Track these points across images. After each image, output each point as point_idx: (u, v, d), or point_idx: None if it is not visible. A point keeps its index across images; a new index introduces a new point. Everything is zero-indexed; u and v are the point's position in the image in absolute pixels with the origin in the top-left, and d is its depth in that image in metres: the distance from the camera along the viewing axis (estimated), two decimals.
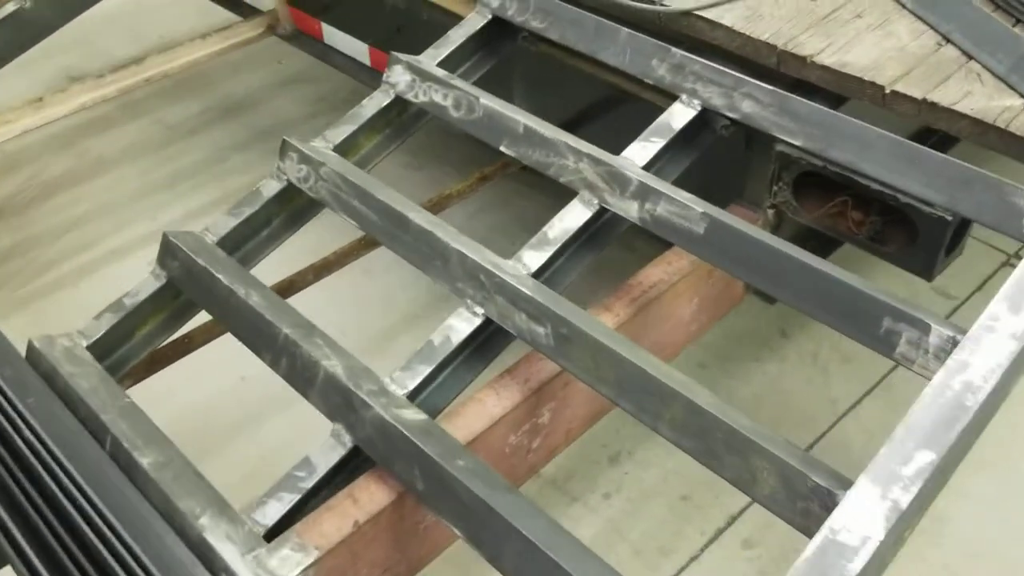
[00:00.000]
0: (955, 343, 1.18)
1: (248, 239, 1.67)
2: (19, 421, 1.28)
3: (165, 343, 1.66)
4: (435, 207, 2.03)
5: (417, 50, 1.84)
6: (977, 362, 1.14)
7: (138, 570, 1.10)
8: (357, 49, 2.59)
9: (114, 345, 1.55)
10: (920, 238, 1.51)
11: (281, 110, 3.61)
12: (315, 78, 3.72)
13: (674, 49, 1.62)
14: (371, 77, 2.60)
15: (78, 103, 2.44)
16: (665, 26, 1.69)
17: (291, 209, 1.71)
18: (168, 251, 1.59)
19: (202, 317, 1.71)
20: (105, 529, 1.15)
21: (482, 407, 1.40)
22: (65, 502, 1.18)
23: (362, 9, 2.51)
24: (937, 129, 1.49)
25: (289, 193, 1.69)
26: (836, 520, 1.05)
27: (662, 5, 1.71)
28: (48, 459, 1.23)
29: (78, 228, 3.04)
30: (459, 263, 1.45)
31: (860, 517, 1.05)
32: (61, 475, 1.21)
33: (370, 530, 1.26)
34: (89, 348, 1.51)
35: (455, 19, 1.99)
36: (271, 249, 1.71)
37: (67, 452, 1.25)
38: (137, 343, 1.59)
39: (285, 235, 1.72)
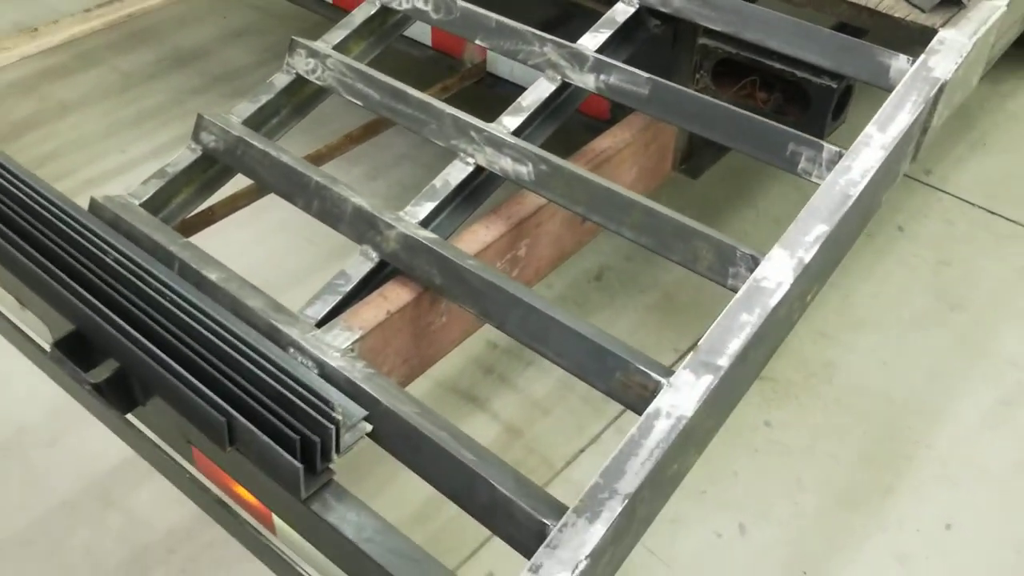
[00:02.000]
0: (840, 156, 1.59)
1: (265, 122, 1.96)
2: (105, 245, 1.56)
3: (196, 211, 1.94)
4: None
5: None
6: (856, 166, 1.55)
7: (224, 334, 1.40)
8: None
9: (159, 206, 1.83)
10: (812, 106, 1.93)
11: (231, 59, 3.85)
12: (260, 30, 3.99)
13: None
14: (332, 13, 2.90)
15: (69, 33, 2.66)
16: None
17: (299, 98, 2.01)
18: (203, 128, 1.88)
19: (224, 192, 2.01)
20: (191, 310, 1.44)
21: (475, 236, 1.74)
22: (154, 295, 1.47)
23: None
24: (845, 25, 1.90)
25: (297, 84, 1.99)
26: (758, 274, 1.44)
27: None
28: (133, 268, 1.51)
29: (51, 162, 3.24)
30: (452, 124, 1.79)
31: (776, 270, 1.44)
32: (151, 280, 1.50)
33: (398, 320, 1.59)
34: (141, 206, 1.79)
35: None
36: (284, 132, 2.01)
37: (144, 264, 1.53)
38: (176, 207, 1.87)
39: (294, 121, 2.02)
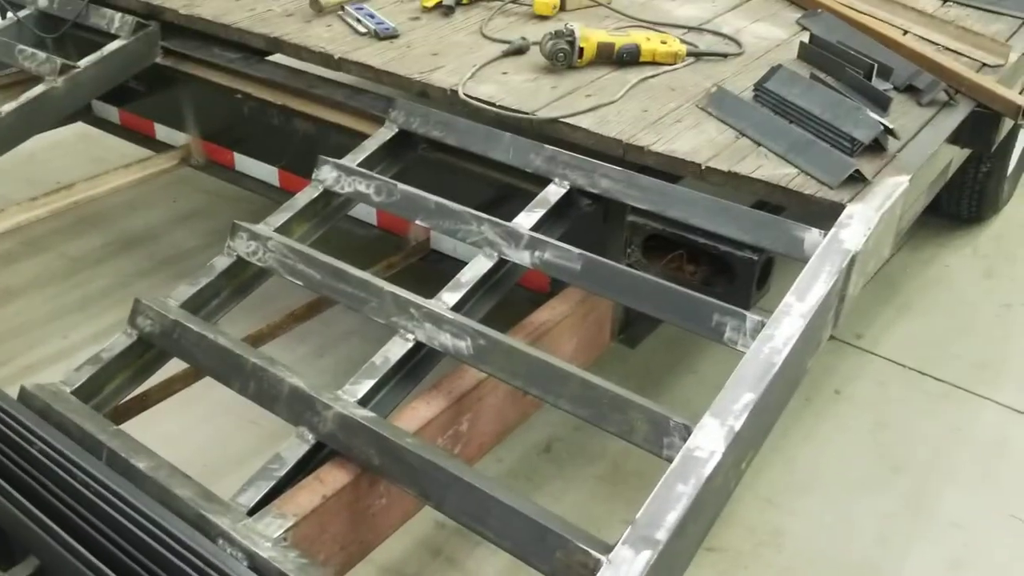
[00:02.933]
0: (763, 325, 1.64)
1: (204, 304, 1.98)
2: (31, 436, 1.53)
3: (130, 396, 1.92)
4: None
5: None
6: (778, 334, 1.61)
7: (148, 526, 1.36)
8: (267, 172, 2.99)
9: (92, 393, 1.81)
10: (736, 277, 2.01)
11: (179, 241, 3.92)
12: (209, 213, 4.08)
13: (547, 145, 2.12)
14: (281, 196, 2.99)
15: (14, 222, 2.69)
16: (538, 130, 2.20)
17: (240, 280, 2.05)
18: (139, 312, 1.89)
19: (158, 377, 1.99)
20: (115, 501, 1.40)
21: (415, 412, 1.74)
22: (85, 491, 1.43)
23: (272, 139, 2.92)
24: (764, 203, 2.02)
25: (238, 266, 2.03)
26: (691, 443, 1.45)
27: (533, 115, 2.22)
28: (62, 460, 1.48)
29: None
30: (392, 301, 1.82)
31: (708, 439, 1.45)
32: (76, 471, 1.46)
33: (334, 504, 1.56)
34: (72, 393, 1.76)
35: (361, 138, 2.44)
36: (223, 314, 2.03)
37: (69, 456, 1.50)
38: (110, 393, 1.85)
39: (234, 302, 2.05)
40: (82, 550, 1.30)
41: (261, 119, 2.90)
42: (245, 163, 3.06)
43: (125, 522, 1.37)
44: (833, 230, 1.80)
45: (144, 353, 1.89)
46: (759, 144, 2.07)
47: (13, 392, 1.74)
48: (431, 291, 1.88)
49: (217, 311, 2.01)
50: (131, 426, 1.85)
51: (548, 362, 1.65)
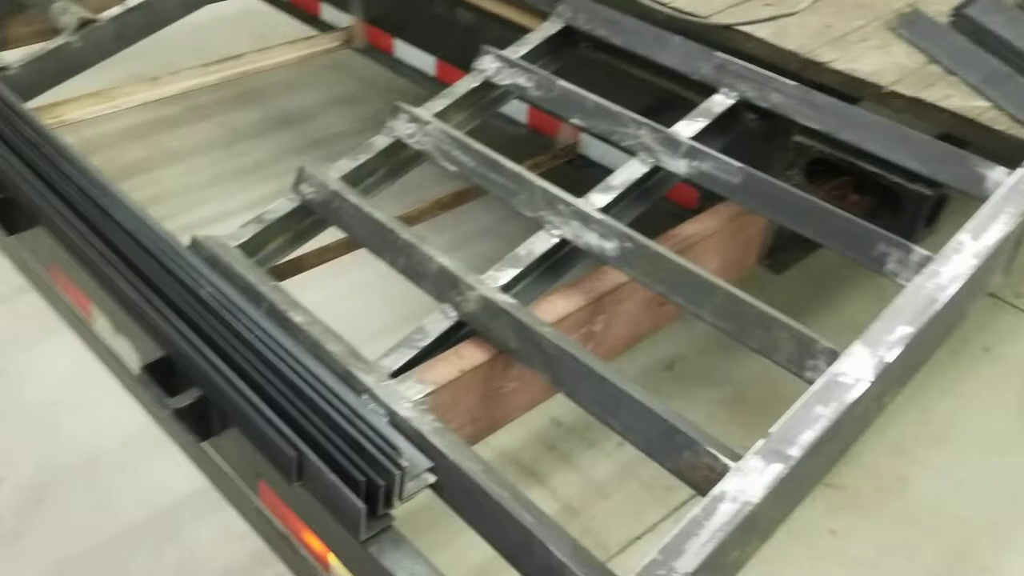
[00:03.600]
0: (929, 260, 1.57)
1: (362, 180, 2.04)
2: (198, 280, 1.63)
3: (287, 258, 2.01)
4: None
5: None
6: (945, 271, 1.54)
7: (301, 372, 1.44)
8: (425, 61, 3.02)
9: (254, 250, 1.90)
10: (904, 211, 1.92)
11: (331, 124, 4.02)
12: (362, 100, 4.17)
13: (717, 52, 2.05)
14: (434, 86, 3.02)
15: (186, 85, 2.83)
16: (709, 36, 2.12)
17: (396, 160, 2.09)
18: (302, 180, 1.96)
19: (314, 243, 2.08)
20: (275, 346, 1.49)
21: (553, 306, 1.76)
22: (242, 329, 1.52)
23: (433, 27, 2.94)
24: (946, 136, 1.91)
25: (396, 147, 2.08)
26: (837, 367, 1.42)
27: (707, 20, 2.14)
28: (224, 303, 1.58)
29: (154, 205, 3.39)
30: (541, 196, 1.83)
31: (855, 366, 1.41)
32: (239, 316, 1.55)
33: (470, 379, 1.61)
34: (237, 248, 1.86)
35: (523, 32, 2.42)
36: (378, 192, 2.09)
37: (235, 301, 1.59)
38: (270, 252, 1.94)
39: (389, 181, 2.10)
40: (240, 382, 1.39)
41: (425, 6, 2.91)
42: (404, 50, 3.09)
43: (281, 365, 1.46)
44: (1021, 169, 1.69)
45: (304, 219, 1.96)
46: (951, 72, 1.94)
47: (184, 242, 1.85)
48: (576, 194, 1.87)
49: (373, 188, 2.06)
50: (285, 286, 1.95)
51: (694, 271, 1.64)
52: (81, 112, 2.63)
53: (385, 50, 3.14)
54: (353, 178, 2.02)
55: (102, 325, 1.81)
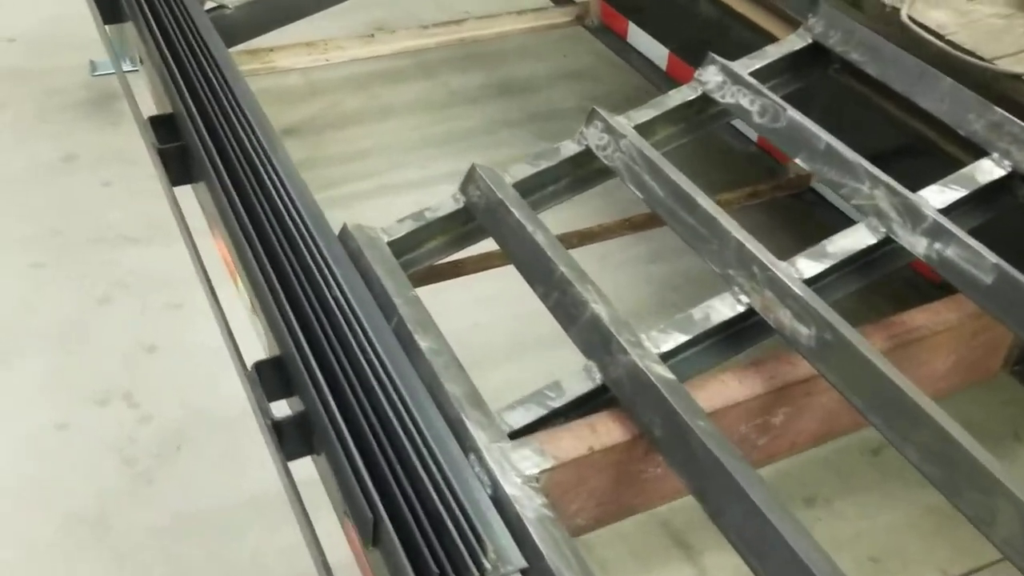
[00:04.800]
0: None
1: (538, 189, 1.82)
2: (331, 280, 1.48)
3: (439, 262, 1.84)
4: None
5: None
6: None
7: (407, 420, 1.26)
8: (657, 53, 2.73)
9: (406, 248, 1.74)
10: None
11: (555, 99, 3.82)
12: (595, 77, 3.91)
13: (996, 108, 1.63)
14: (664, 82, 2.73)
15: (401, 46, 2.72)
16: (990, 84, 1.70)
17: (582, 172, 1.85)
18: (471, 180, 1.77)
19: (476, 249, 1.89)
20: (385, 380, 1.31)
21: (723, 387, 1.47)
22: (357, 352, 1.36)
23: (673, 15, 2.64)
24: None
25: (584, 157, 1.83)
26: None
27: (990, 63, 1.72)
28: (348, 314, 1.42)
29: (360, 160, 3.37)
30: (735, 251, 1.53)
31: None
32: (357, 329, 1.39)
33: (600, 459, 1.36)
34: (388, 244, 1.71)
35: (765, 40, 2.08)
36: (554, 204, 1.86)
37: (363, 313, 1.43)
38: (422, 253, 1.77)
39: (568, 194, 1.87)
40: (331, 403, 1.25)
41: None
42: (638, 36, 2.82)
43: (382, 399, 1.29)
44: None
45: (466, 222, 1.78)
46: None
47: (340, 221, 1.71)
48: (796, 234, 1.54)
49: (550, 199, 1.84)
50: (428, 291, 1.79)
51: (901, 390, 1.29)
52: (292, 61, 2.59)
53: (619, 33, 2.89)
54: (528, 185, 1.80)
55: (243, 298, 1.73)
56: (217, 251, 1.87)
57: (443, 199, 1.79)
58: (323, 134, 3.42)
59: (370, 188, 3.20)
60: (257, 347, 1.73)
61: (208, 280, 1.77)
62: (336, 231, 1.68)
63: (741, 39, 2.25)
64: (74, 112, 3.51)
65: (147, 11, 2.12)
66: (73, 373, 2.46)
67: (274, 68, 2.53)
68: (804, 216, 2.15)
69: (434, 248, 1.79)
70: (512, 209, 1.66)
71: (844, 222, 1.68)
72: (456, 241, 1.80)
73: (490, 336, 2.54)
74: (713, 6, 2.43)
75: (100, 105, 3.57)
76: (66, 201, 3.02)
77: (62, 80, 3.70)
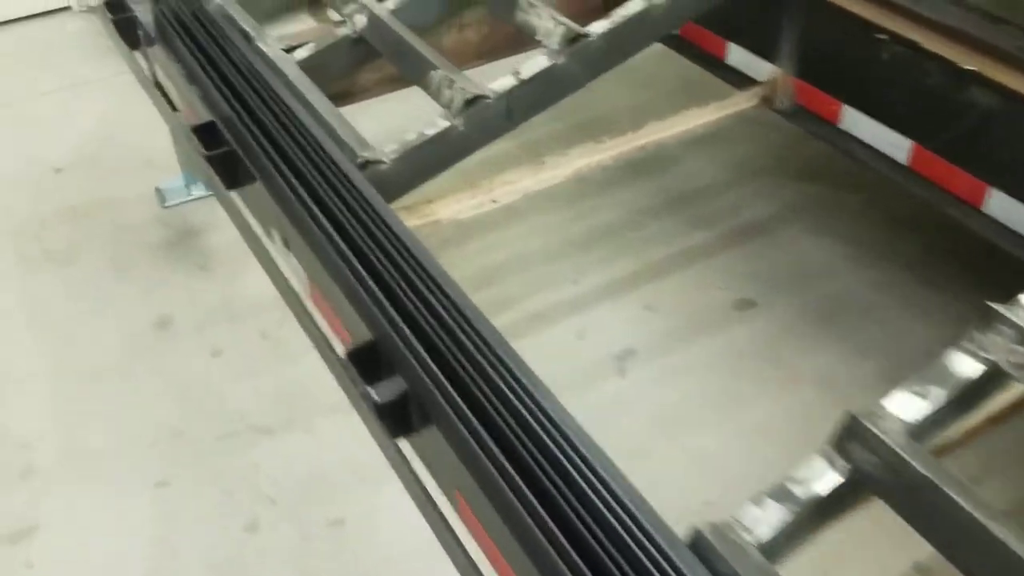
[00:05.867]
0: None
1: (929, 432, 1.29)
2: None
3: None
4: None
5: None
6: None
7: None
8: (892, 142, 2.19)
9: (775, 549, 1.22)
10: None
11: (696, 172, 3.29)
12: (733, 138, 3.35)
13: None
14: (905, 178, 2.20)
15: (574, 168, 2.20)
16: None
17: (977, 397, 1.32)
18: (854, 435, 1.24)
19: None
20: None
21: None
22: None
23: (916, 100, 2.11)
24: None
25: (990, 380, 1.30)
26: None
27: None
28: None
29: (495, 282, 2.84)
30: None
31: None
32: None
33: None
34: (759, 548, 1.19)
35: None
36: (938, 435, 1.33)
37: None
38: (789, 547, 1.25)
39: (954, 422, 1.34)
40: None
41: (908, 72, 2.09)
42: (857, 122, 2.27)
43: None
44: None
45: (854, 493, 1.25)
46: None
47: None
48: None
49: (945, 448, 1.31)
50: None
51: None
52: (454, 209, 2.07)
53: (827, 118, 2.34)
54: (920, 430, 1.28)
55: None
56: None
57: (810, 461, 1.26)
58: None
59: (516, 319, 2.66)
60: None
61: None
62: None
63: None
64: (152, 256, 2.99)
65: (285, 171, 1.61)
66: None
67: (437, 221, 2.02)
68: None
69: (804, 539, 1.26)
70: (935, 479, 1.13)
71: None
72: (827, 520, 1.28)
73: None
74: (988, 91, 1.92)
75: (181, 244, 3.05)
76: (177, 385, 2.49)
77: (129, 215, 3.18)
